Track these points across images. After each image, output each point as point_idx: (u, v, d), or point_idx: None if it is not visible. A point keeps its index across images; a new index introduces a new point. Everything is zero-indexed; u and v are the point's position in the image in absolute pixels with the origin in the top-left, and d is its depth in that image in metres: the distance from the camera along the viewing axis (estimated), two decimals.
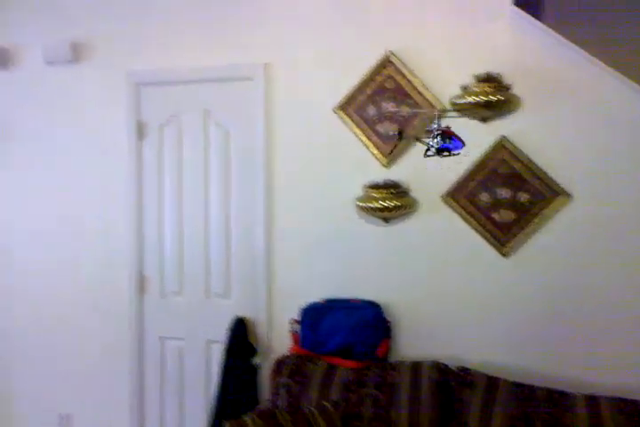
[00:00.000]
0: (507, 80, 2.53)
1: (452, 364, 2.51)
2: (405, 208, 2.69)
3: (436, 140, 2.23)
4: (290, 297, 2.90)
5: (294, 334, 2.79)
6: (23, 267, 3.45)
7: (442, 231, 2.69)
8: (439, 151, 2.24)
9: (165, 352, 3.19)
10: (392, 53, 2.72)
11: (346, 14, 2.82)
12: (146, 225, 3.21)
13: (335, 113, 2.83)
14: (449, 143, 2.24)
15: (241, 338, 2.90)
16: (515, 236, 2.57)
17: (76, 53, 3.28)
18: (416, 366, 2.47)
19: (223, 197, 3.07)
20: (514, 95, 2.53)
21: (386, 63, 2.74)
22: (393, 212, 2.68)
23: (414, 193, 2.72)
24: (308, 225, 2.90)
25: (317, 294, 2.82)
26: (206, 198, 3.11)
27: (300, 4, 2.90)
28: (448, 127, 2.27)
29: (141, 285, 3.22)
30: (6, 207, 3.48)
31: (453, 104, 2.59)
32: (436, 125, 2.26)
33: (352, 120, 2.81)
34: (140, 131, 3.20)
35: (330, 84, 2.84)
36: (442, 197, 2.67)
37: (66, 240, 3.36)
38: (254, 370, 2.90)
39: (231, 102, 3.05)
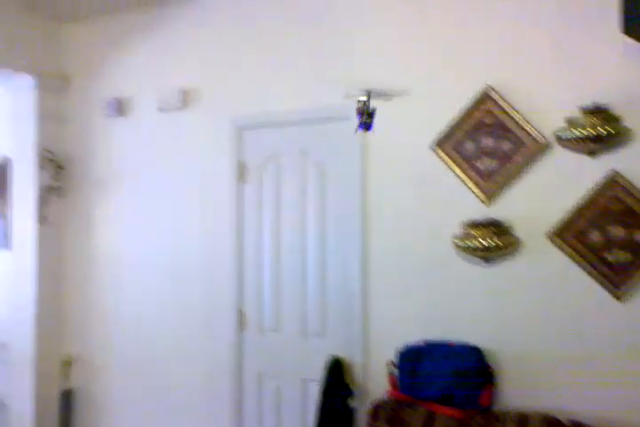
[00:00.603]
0: (616, 111, 2.39)
1: (563, 415, 2.32)
2: (507, 247, 2.57)
3: (364, 118, 2.58)
4: (387, 338, 2.83)
5: (392, 376, 2.71)
6: (129, 298, 3.64)
7: (548, 272, 2.53)
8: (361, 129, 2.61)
9: (263, 389, 3.21)
10: (491, 88, 2.66)
11: (443, 50, 2.80)
12: (246, 263, 3.28)
13: (432, 150, 2.79)
14: (371, 123, 2.60)
15: (337, 378, 2.86)
16: (630, 278, 2.37)
17: (185, 101, 3.48)
18: (523, 418, 2.31)
19: (320, 236, 3.10)
20: (625, 127, 2.37)
21: (484, 98, 2.68)
22: (494, 251, 2.57)
23: (517, 231, 2.59)
24: (404, 264, 2.84)
25: (415, 336, 2.73)
26: (303, 237, 3.14)
27: (394, 41, 2.92)
28: (374, 109, 2.60)
29: (241, 321, 3.28)
30: (119, 242, 3.71)
31: (558, 138, 2.48)
32: (368, 105, 2.60)
33: (449, 157, 2.76)
34: (242, 172, 3.32)
35: (426, 122, 2.82)
36: (547, 235, 2.53)
37: (171, 275, 3.51)
38: (350, 412, 2.84)
39: (328, 142, 3.10)
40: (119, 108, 3.70)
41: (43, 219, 3.71)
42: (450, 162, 2.75)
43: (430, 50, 2.83)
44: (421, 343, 2.69)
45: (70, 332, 3.82)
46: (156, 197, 3.60)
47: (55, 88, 3.79)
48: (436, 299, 2.76)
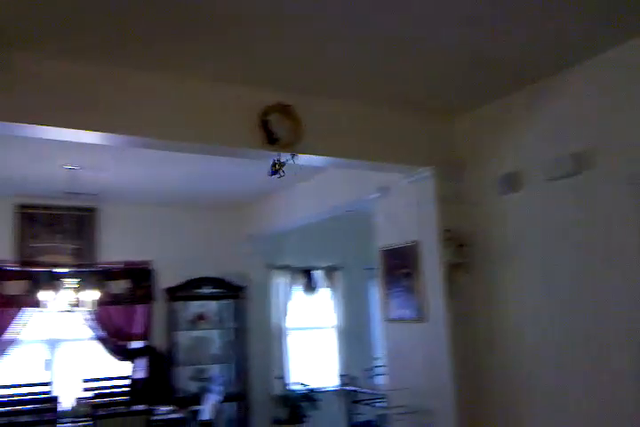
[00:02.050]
0: None
1: None
2: None
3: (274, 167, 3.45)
4: None
5: None
6: (537, 374, 3.57)
7: None
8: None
9: None
10: None
11: None
12: None
13: None
14: (277, 170, 3.45)
15: None
16: None
17: (578, 165, 3.42)
18: None
19: None
20: None
21: None
22: None
23: None
24: None
25: None
26: None
27: None
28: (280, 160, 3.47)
29: None
30: (518, 317, 3.74)
31: None
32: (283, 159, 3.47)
33: None
34: None
35: None
36: None
37: (581, 355, 3.35)
38: None
39: None
40: (510, 183, 3.85)
41: (451, 293, 4.01)
42: None
43: None
44: None
45: (485, 398, 3.93)
46: (555, 270, 3.53)
47: (451, 174, 4.21)
48: None
